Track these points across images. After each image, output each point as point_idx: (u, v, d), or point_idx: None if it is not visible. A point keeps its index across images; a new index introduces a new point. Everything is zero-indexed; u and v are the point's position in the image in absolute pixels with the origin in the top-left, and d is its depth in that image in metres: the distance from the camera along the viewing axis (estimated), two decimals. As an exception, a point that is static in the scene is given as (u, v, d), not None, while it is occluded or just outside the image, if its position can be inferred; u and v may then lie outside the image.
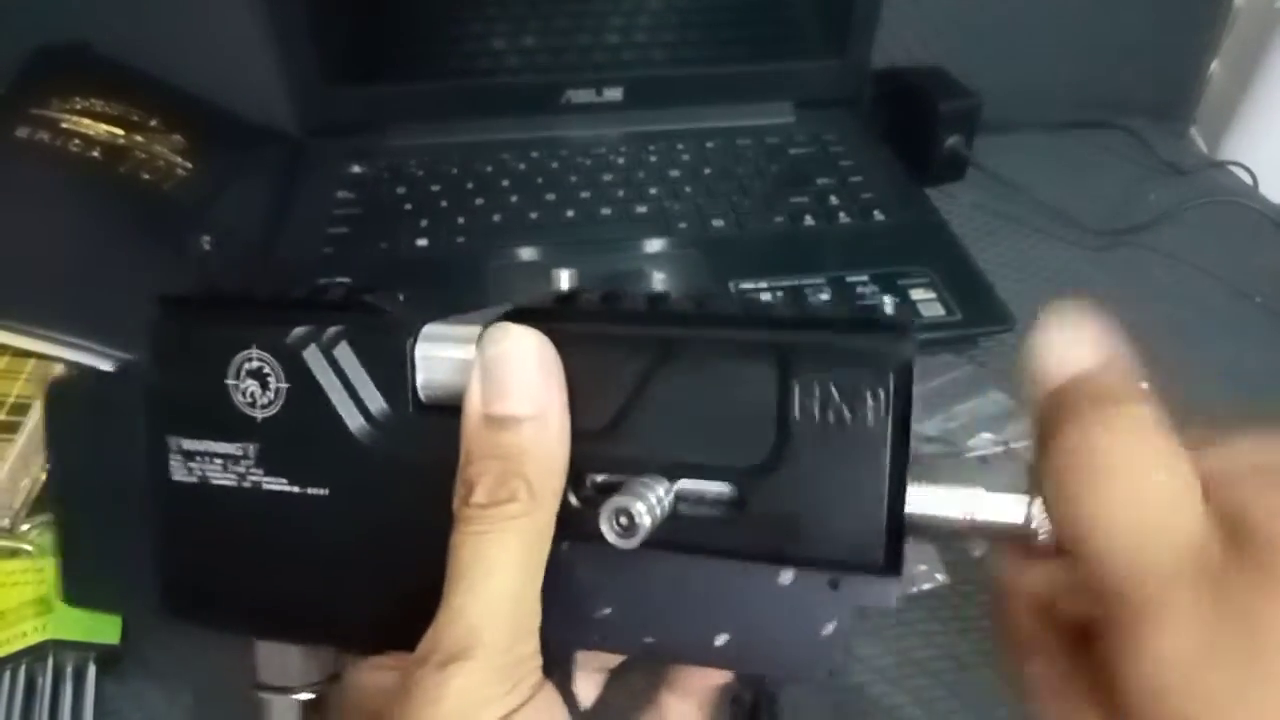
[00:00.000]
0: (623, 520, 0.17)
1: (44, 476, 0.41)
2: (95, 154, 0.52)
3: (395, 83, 0.64)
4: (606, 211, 0.58)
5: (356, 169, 0.61)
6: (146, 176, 0.53)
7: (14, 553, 0.37)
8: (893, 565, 0.18)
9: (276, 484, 0.22)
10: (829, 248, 0.55)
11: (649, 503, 0.18)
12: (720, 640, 0.19)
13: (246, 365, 0.21)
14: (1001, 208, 0.61)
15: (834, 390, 0.18)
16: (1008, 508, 0.18)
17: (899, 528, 0.18)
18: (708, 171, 0.61)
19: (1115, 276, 0.57)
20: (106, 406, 0.24)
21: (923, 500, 0.18)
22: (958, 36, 0.68)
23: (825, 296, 0.50)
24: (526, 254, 0.54)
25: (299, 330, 0.21)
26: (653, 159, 0.62)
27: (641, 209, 0.58)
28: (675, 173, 0.61)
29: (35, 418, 0.42)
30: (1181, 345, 0.52)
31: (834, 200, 0.59)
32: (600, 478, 0.20)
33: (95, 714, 0.34)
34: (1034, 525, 0.18)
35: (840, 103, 0.67)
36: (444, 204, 0.58)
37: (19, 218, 0.48)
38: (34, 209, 0.48)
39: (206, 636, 0.36)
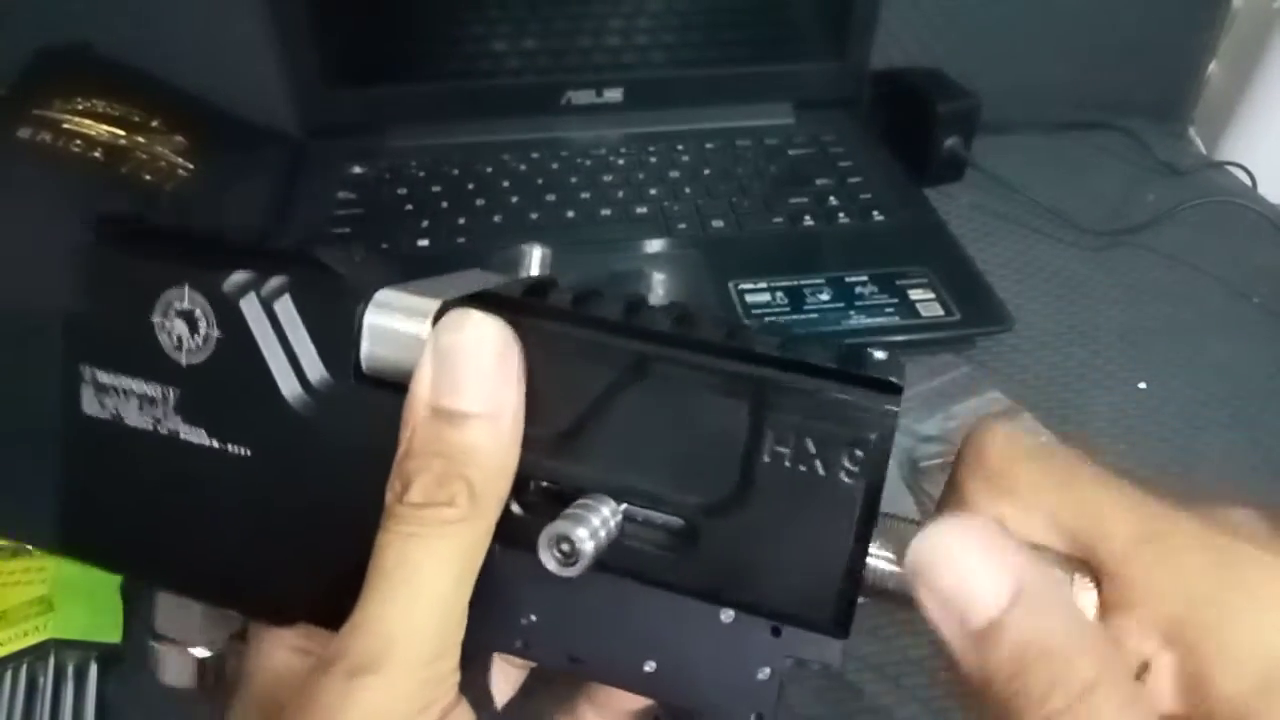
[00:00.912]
0: (564, 547, 0.16)
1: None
2: (97, 155, 0.52)
3: (396, 84, 0.64)
4: (606, 212, 0.58)
5: (357, 170, 0.61)
6: (148, 177, 0.53)
7: (15, 552, 0.37)
8: (841, 626, 0.18)
9: (195, 436, 0.20)
10: (828, 248, 0.55)
11: (591, 527, 0.17)
12: (649, 667, 0.18)
13: (176, 305, 0.20)
14: (1000, 208, 0.62)
15: (809, 441, 0.17)
16: None
17: (854, 590, 0.17)
18: (707, 172, 0.61)
19: (1113, 277, 0.57)
20: (19, 324, 0.22)
21: (885, 563, 0.18)
22: (956, 38, 0.69)
23: (825, 297, 0.50)
24: (526, 254, 0.55)
25: (238, 276, 0.19)
26: (653, 160, 0.63)
27: (641, 210, 0.58)
28: (675, 173, 0.61)
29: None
30: (1179, 345, 0.52)
31: (833, 201, 0.59)
32: (545, 483, 0.19)
33: (96, 713, 0.34)
34: None
35: (839, 104, 0.67)
36: (444, 204, 0.59)
37: (21, 218, 0.48)
38: (36, 209, 0.48)
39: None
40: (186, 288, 0.19)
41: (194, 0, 0.61)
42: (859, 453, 0.16)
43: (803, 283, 0.51)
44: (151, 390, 0.20)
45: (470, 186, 0.60)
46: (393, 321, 0.18)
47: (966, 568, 0.16)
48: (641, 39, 0.64)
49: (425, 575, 0.17)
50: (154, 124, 0.57)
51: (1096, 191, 0.64)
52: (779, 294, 0.51)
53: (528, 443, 0.18)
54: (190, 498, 0.21)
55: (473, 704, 0.19)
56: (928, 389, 0.47)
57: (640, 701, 0.22)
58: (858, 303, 0.50)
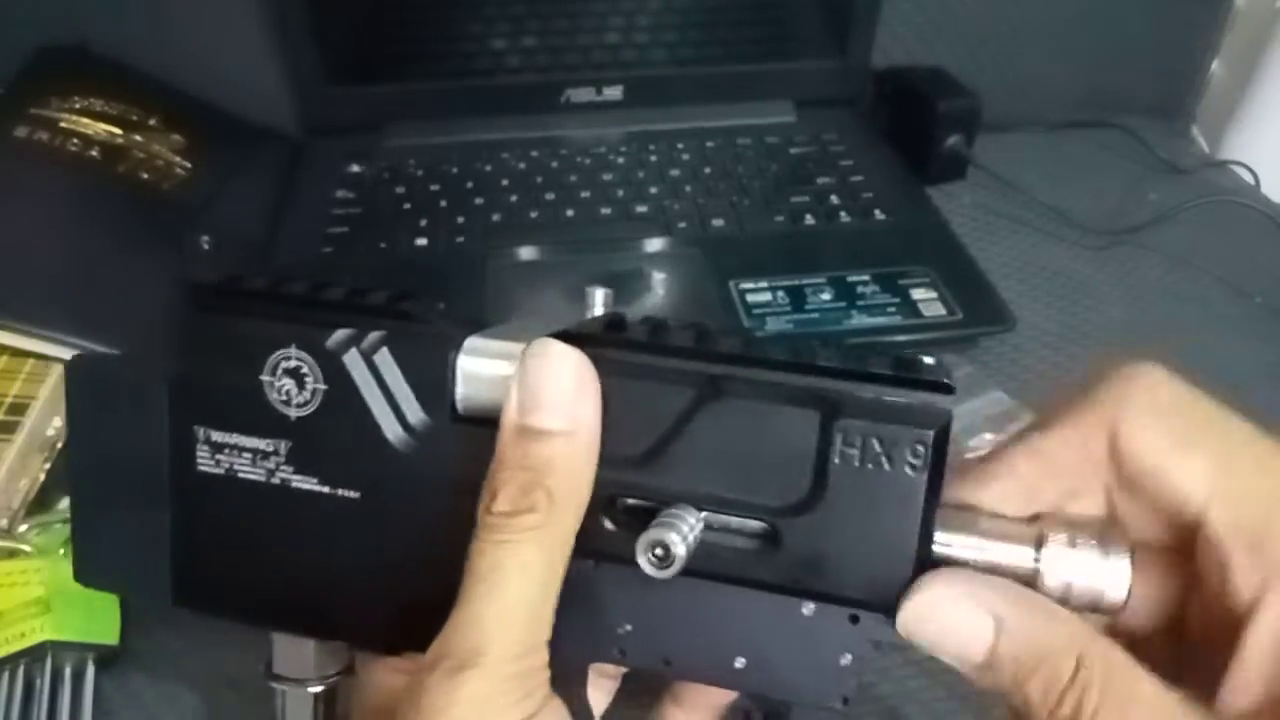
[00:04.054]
0: (658, 552, 0.18)
1: (42, 476, 0.41)
2: (94, 153, 0.52)
3: (395, 82, 0.64)
4: (606, 211, 0.58)
5: (356, 168, 0.61)
6: (145, 176, 0.53)
7: (12, 553, 0.37)
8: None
9: (306, 483, 0.22)
10: (830, 247, 0.55)
11: (682, 532, 0.18)
12: (739, 663, 0.20)
13: (284, 364, 0.21)
14: (1002, 207, 0.61)
15: (876, 441, 0.18)
16: (1019, 557, 0.19)
17: (922, 571, 0.19)
18: (708, 171, 0.61)
19: (1115, 276, 0.57)
20: (126, 388, 0.24)
21: (946, 547, 0.19)
22: (958, 36, 0.68)
23: (826, 296, 0.50)
24: (526, 253, 0.54)
25: (340, 334, 0.21)
26: (653, 158, 0.62)
27: (641, 208, 0.58)
28: (675, 172, 0.61)
29: (34, 417, 0.41)
30: (1181, 345, 0.52)
31: (834, 200, 0.58)
32: (632, 501, 0.20)
33: (94, 714, 0.33)
34: (1042, 574, 0.19)
35: (841, 102, 0.67)
36: (443, 203, 0.58)
37: (18, 217, 0.47)
38: (33, 208, 0.48)
39: (204, 636, 0.36)
40: (294, 347, 0.21)
41: (194, 1, 0.61)
42: (920, 447, 0.18)
43: (804, 282, 0.51)
44: (264, 444, 0.22)
45: (469, 185, 0.60)
46: (483, 365, 0.21)
47: (951, 622, 0.18)
48: (641, 37, 0.64)
49: (514, 576, 0.19)
50: (151, 123, 0.56)
51: (1099, 190, 0.64)
52: (780, 293, 0.50)
53: (615, 463, 0.20)
54: (304, 541, 0.22)
55: (575, 716, 0.20)
56: (929, 389, 0.47)
57: (724, 698, 0.23)
58: (859, 302, 0.50)
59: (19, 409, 0.41)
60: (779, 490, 0.19)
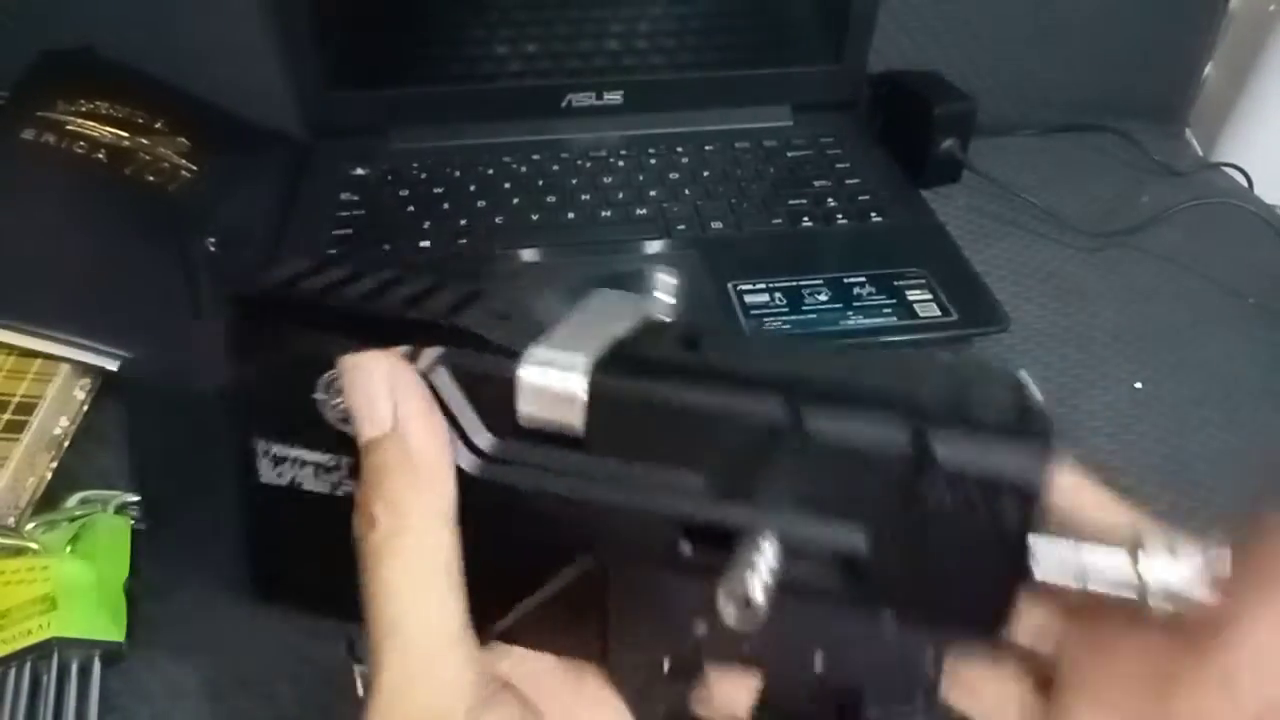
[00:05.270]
0: (741, 602, 0.17)
1: (49, 475, 0.41)
2: (100, 156, 0.53)
3: (399, 86, 0.64)
4: (607, 214, 0.58)
5: (360, 171, 0.62)
6: (151, 178, 0.54)
7: (19, 551, 0.37)
8: (1000, 633, 0.19)
9: None
10: (826, 249, 0.55)
11: (764, 580, 0.17)
12: (818, 664, 0.20)
13: (339, 384, 0.20)
14: (997, 209, 0.62)
15: (970, 486, 0.18)
16: (1120, 574, 0.18)
17: (1010, 609, 0.19)
18: (706, 174, 0.62)
19: (1109, 278, 0.57)
20: (180, 392, 0.23)
21: (1041, 560, 0.18)
22: (953, 40, 0.69)
23: (823, 297, 0.51)
24: (527, 255, 0.55)
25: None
26: (652, 162, 0.63)
27: (641, 211, 0.58)
28: (674, 175, 0.62)
29: (41, 416, 0.42)
30: (1175, 346, 0.53)
31: (831, 202, 0.59)
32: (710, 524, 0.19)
33: (100, 711, 0.34)
34: (1147, 596, 0.18)
35: (837, 106, 0.67)
36: (446, 206, 0.59)
37: (25, 219, 0.48)
38: (39, 210, 0.49)
39: (211, 633, 0.37)
40: None
41: (197, 2, 0.61)
42: (1020, 497, 0.18)
43: (801, 283, 0.51)
44: (326, 459, 0.21)
45: (472, 188, 0.60)
46: (543, 382, 0.19)
47: None
48: (641, 42, 0.65)
49: (385, 602, 0.18)
50: (157, 125, 0.57)
51: (1093, 193, 0.64)
52: (778, 295, 0.51)
53: (693, 490, 0.19)
54: None
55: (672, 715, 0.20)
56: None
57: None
58: (855, 303, 0.50)
59: (26, 408, 0.42)
60: (863, 526, 0.18)
